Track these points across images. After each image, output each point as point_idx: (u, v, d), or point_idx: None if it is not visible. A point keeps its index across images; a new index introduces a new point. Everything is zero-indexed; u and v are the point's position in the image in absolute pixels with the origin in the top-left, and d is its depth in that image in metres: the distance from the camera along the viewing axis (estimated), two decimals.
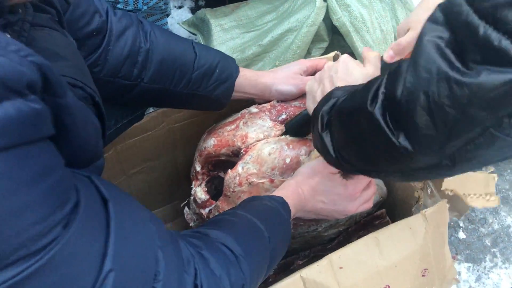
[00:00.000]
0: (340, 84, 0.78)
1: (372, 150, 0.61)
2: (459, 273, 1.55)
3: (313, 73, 1.08)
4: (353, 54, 1.54)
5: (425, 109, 0.50)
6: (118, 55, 0.90)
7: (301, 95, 1.06)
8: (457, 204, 0.90)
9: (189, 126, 1.19)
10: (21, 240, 0.40)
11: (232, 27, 1.59)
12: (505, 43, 0.42)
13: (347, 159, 0.68)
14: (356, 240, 0.86)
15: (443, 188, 0.91)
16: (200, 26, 1.67)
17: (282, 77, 1.04)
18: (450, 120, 0.49)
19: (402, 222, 0.88)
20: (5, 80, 0.38)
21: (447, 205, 0.89)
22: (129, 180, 1.19)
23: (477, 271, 1.57)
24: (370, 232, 0.88)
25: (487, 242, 1.62)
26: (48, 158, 0.44)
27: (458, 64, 0.47)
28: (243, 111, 1.06)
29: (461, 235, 1.62)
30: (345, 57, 0.84)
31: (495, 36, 0.43)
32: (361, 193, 0.90)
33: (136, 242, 0.52)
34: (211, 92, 0.99)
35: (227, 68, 1.00)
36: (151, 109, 1.20)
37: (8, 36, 0.42)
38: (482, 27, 0.44)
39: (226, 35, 1.58)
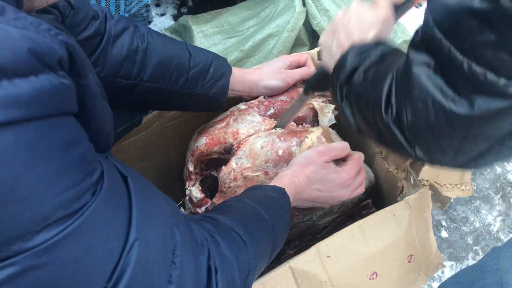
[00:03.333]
0: (356, 32, 0.78)
1: (391, 144, 0.62)
2: (442, 272, 1.57)
3: (296, 67, 1.11)
4: None
5: (429, 136, 0.52)
6: (117, 55, 0.91)
7: (287, 89, 1.08)
8: (439, 195, 0.92)
9: (181, 124, 1.20)
10: (58, 203, 0.42)
11: (214, 33, 1.61)
12: (490, 76, 0.44)
13: (368, 134, 0.69)
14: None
15: (419, 177, 0.93)
16: (182, 32, 1.68)
17: (268, 72, 1.07)
18: (454, 144, 0.51)
19: (386, 210, 0.90)
20: (41, 55, 0.41)
21: (429, 192, 0.91)
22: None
23: (460, 269, 1.59)
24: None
25: (469, 240, 1.64)
26: (76, 130, 0.47)
27: (450, 92, 0.48)
28: (231, 109, 1.08)
29: (444, 234, 1.64)
30: (355, 4, 0.83)
31: (480, 71, 0.44)
32: (354, 179, 0.92)
33: (155, 217, 0.54)
34: (208, 90, 1.01)
35: (220, 66, 1.02)
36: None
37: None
38: (466, 63, 0.45)
39: (208, 41, 1.60)
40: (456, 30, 0.45)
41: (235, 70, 1.05)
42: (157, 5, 2.00)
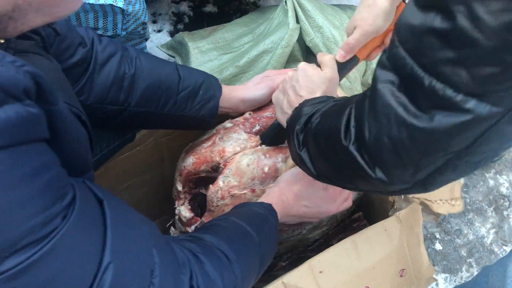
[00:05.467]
0: (303, 92, 0.83)
1: (350, 175, 0.64)
2: (437, 284, 1.59)
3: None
4: None
5: (391, 151, 0.54)
6: (103, 82, 0.92)
7: (272, 105, 1.09)
8: (431, 211, 0.94)
9: (176, 138, 1.21)
10: (26, 229, 0.43)
11: (209, 49, 1.63)
12: (448, 92, 0.46)
13: (327, 177, 0.71)
14: (335, 242, 0.89)
15: (410, 195, 0.95)
16: (179, 48, 1.70)
17: (252, 85, 1.09)
18: (414, 158, 0.53)
19: (378, 225, 0.91)
20: (5, 87, 0.42)
21: (420, 206, 0.92)
22: (118, 196, 1.19)
23: (454, 281, 1.60)
24: (349, 234, 0.91)
25: (463, 252, 1.66)
26: (46, 156, 0.48)
27: (412, 108, 0.50)
28: (218, 127, 1.09)
29: (438, 246, 1.66)
30: (302, 65, 0.87)
31: (439, 87, 0.47)
32: (340, 193, 0.94)
33: (131, 239, 0.55)
34: (197, 112, 1.02)
35: (210, 88, 1.03)
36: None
37: (2, 51, 0.45)
38: (427, 79, 0.48)
39: (204, 57, 1.62)
40: (418, 48, 0.48)
41: (222, 88, 1.06)
42: (154, 22, 2.02)
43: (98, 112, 0.94)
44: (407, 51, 0.49)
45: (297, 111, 0.77)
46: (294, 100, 0.83)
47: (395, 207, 0.99)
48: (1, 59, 0.43)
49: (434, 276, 0.94)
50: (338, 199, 0.94)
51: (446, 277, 1.61)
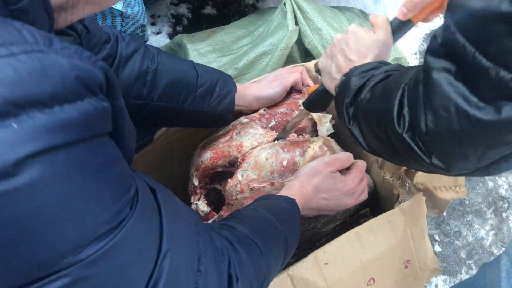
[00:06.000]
0: (354, 56, 0.78)
1: (404, 157, 0.61)
2: (436, 286, 1.58)
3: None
4: None
5: (451, 143, 0.51)
6: (128, 76, 0.94)
7: (286, 101, 1.11)
8: (436, 201, 0.94)
9: (185, 136, 1.22)
10: (102, 219, 0.45)
11: (208, 52, 1.64)
12: None
13: (379, 154, 0.68)
14: None
15: (414, 181, 0.95)
16: (177, 51, 1.71)
17: (265, 84, 1.10)
18: (478, 150, 0.50)
19: (381, 217, 0.91)
20: (86, 81, 0.44)
21: (424, 198, 0.93)
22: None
23: (454, 283, 1.60)
24: None
25: (462, 254, 1.66)
26: (113, 149, 0.50)
27: (474, 99, 0.47)
28: (234, 123, 1.10)
29: (437, 248, 1.66)
30: (353, 27, 0.82)
31: (508, 77, 0.43)
32: (358, 186, 0.95)
33: (182, 227, 0.57)
34: (215, 108, 1.04)
35: (226, 84, 1.06)
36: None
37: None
38: (494, 70, 0.44)
39: (203, 59, 1.62)
40: (481, 35, 0.44)
41: (237, 86, 1.08)
42: (153, 24, 2.03)
43: None
44: (466, 38, 0.45)
45: (345, 82, 0.72)
46: (344, 65, 0.78)
47: (400, 199, 0.99)
48: (79, 54, 0.45)
49: (438, 267, 0.94)
50: (356, 192, 0.95)
51: (446, 279, 1.60)
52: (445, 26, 0.49)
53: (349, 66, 0.76)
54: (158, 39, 1.96)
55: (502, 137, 0.48)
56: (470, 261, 1.65)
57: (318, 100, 0.95)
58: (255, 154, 0.99)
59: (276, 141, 1.02)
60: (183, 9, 2.07)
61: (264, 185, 0.97)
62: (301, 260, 0.87)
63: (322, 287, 0.86)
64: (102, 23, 1.41)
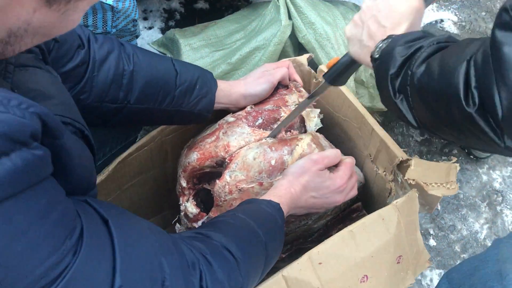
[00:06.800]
0: (387, 22, 0.74)
1: (466, 135, 0.58)
2: (431, 280, 1.59)
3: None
4: None
5: None
6: (103, 80, 0.91)
7: (273, 98, 1.09)
8: (426, 198, 0.94)
9: (179, 136, 1.20)
10: (40, 272, 0.44)
11: (201, 46, 1.63)
12: None
13: (429, 129, 0.65)
14: (335, 232, 0.89)
15: (406, 177, 0.95)
16: (170, 46, 1.69)
17: (252, 81, 1.08)
18: None
19: (375, 214, 0.92)
20: (11, 135, 0.42)
21: (417, 194, 0.93)
22: (122, 195, 1.19)
23: None
24: (348, 225, 0.91)
25: (457, 248, 1.66)
26: (52, 192, 0.48)
27: None
28: (220, 122, 1.08)
29: (432, 242, 1.66)
30: None
31: None
32: (347, 183, 0.95)
33: (140, 254, 0.56)
34: (193, 107, 1.02)
35: (206, 82, 1.03)
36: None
37: (8, 91, 0.45)
38: None
39: (196, 54, 1.61)
40: None
41: (221, 84, 1.06)
42: (145, 19, 2.01)
43: (97, 111, 0.93)
44: None
45: (387, 52, 0.68)
46: (377, 32, 0.75)
47: (392, 194, 0.99)
48: (6, 104, 0.42)
49: (428, 259, 0.95)
50: (345, 189, 0.95)
51: (440, 273, 1.61)
52: None
53: (383, 33, 0.73)
54: (150, 34, 1.95)
55: None
56: (464, 255, 1.65)
57: (342, 72, 0.89)
58: (242, 154, 0.98)
59: (264, 140, 1.01)
60: (175, 3, 2.06)
61: (252, 185, 0.96)
62: (295, 261, 0.87)
63: (316, 287, 0.86)
64: (93, 18, 1.40)
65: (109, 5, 1.37)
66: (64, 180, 0.52)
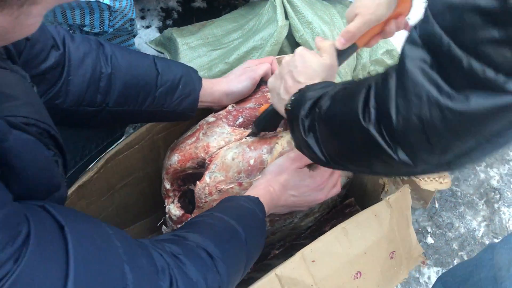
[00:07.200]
0: (302, 78, 0.80)
1: (367, 157, 0.62)
2: (429, 278, 1.59)
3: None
4: None
5: (419, 132, 0.52)
6: (79, 84, 0.89)
7: (255, 96, 1.09)
8: (420, 192, 0.95)
9: (172, 134, 1.20)
10: None
11: (198, 45, 1.63)
12: (489, 72, 0.45)
13: (337, 161, 0.69)
14: (328, 228, 0.89)
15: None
16: (167, 44, 1.70)
17: (234, 77, 1.07)
18: (443, 141, 0.51)
19: (368, 211, 0.92)
20: None
21: (409, 190, 0.93)
22: (116, 195, 1.18)
23: None
24: (341, 220, 0.92)
25: (455, 246, 1.66)
26: None
27: (446, 88, 0.48)
28: (200, 122, 1.07)
29: (429, 240, 1.66)
30: (300, 50, 0.85)
31: (479, 67, 0.45)
32: (328, 180, 0.94)
33: (98, 262, 0.53)
34: (176, 107, 1.00)
35: (190, 82, 1.01)
36: (131, 130, 1.22)
37: None
38: (465, 59, 0.46)
39: (193, 53, 1.61)
40: (458, 26, 0.46)
41: (204, 82, 1.04)
42: (142, 18, 2.02)
43: (75, 115, 0.91)
44: (443, 29, 0.47)
45: (300, 96, 0.75)
46: (292, 86, 0.81)
47: (385, 190, 1.00)
48: None
49: (421, 254, 0.95)
50: (326, 187, 0.94)
51: (438, 270, 1.61)
52: (424, 17, 0.50)
53: (297, 87, 0.78)
54: (147, 33, 1.95)
55: (468, 127, 0.49)
56: (462, 253, 1.65)
57: (268, 120, 0.97)
58: (221, 155, 0.97)
59: (244, 139, 1.00)
60: (173, 2, 2.06)
61: (232, 186, 0.96)
62: (288, 259, 0.87)
63: (310, 284, 0.87)
64: (90, 18, 1.40)
65: (106, 4, 1.37)
66: (14, 184, 0.50)
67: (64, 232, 0.51)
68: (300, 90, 0.76)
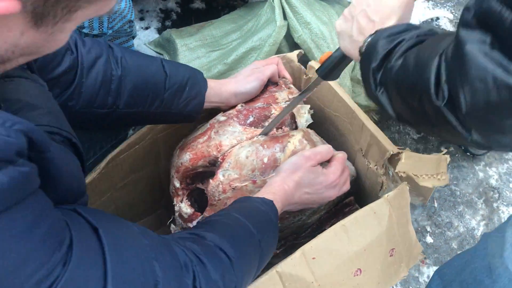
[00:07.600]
0: (377, 17, 0.74)
1: (438, 129, 0.59)
2: (428, 277, 1.59)
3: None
4: None
5: (491, 116, 0.49)
6: (91, 86, 0.91)
7: (263, 96, 1.10)
8: (419, 189, 0.95)
9: (172, 133, 1.21)
10: (30, 286, 0.44)
11: (197, 47, 1.63)
12: None
13: (408, 122, 0.66)
14: (328, 227, 0.90)
15: (396, 170, 0.96)
16: (166, 46, 1.70)
17: (242, 79, 1.08)
18: None
19: (367, 208, 0.93)
20: None
21: (407, 187, 0.94)
22: (116, 194, 1.19)
23: None
24: (341, 219, 0.92)
25: (454, 245, 1.66)
26: (39, 207, 0.48)
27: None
28: (211, 121, 1.08)
29: (429, 239, 1.66)
30: None
31: None
32: (340, 178, 0.96)
33: (131, 260, 0.56)
34: (183, 109, 1.02)
35: (196, 84, 1.02)
36: (131, 131, 1.22)
37: None
38: None
39: (192, 54, 1.62)
40: None
41: (211, 83, 1.05)
42: (141, 19, 2.02)
43: (86, 116, 0.93)
44: (503, 3, 0.44)
45: (371, 46, 0.69)
46: (366, 27, 0.75)
47: (384, 188, 1.00)
48: None
49: (421, 251, 0.96)
50: (338, 185, 0.96)
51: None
52: None
53: (372, 27, 0.74)
54: (147, 34, 1.96)
55: None
56: (461, 252, 1.65)
57: (334, 67, 0.90)
58: (235, 153, 0.98)
59: (255, 138, 1.01)
60: (171, 3, 2.07)
61: (246, 183, 0.96)
62: (288, 256, 0.87)
63: (310, 281, 0.87)
64: (89, 19, 1.40)
65: None
66: (52, 191, 0.52)
67: (99, 233, 0.55)
68: (372, 36, 0.71)
